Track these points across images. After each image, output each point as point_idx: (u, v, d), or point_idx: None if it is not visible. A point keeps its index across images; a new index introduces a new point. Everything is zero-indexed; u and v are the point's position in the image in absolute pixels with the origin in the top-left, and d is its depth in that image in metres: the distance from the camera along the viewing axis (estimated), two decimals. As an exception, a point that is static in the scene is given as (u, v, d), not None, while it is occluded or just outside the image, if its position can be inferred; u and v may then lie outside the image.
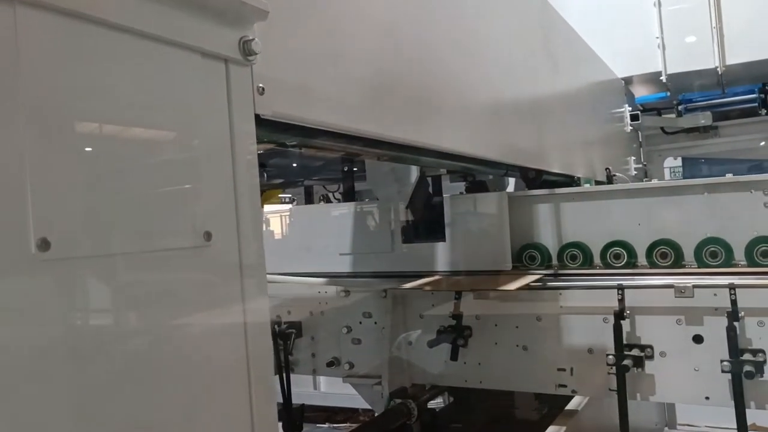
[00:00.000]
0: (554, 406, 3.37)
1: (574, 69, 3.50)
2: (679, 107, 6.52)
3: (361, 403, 6.51)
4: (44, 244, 0.73)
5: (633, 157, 5.00)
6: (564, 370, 2.74)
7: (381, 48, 1.50)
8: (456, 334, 2.78)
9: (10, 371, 0.69)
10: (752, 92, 6.77)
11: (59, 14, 0.78)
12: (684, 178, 8.02)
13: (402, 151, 1.73)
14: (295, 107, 1.20)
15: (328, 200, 4.99)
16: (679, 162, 7.68)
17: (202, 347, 0.96)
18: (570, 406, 3.02)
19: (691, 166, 8.34)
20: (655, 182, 2.83)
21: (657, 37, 4.95)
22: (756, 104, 6.70)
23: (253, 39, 1.06)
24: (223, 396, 0.99)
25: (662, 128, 5.58)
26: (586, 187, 3.19)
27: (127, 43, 0.87)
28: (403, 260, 3.08)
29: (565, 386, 2.75)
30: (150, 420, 0.86)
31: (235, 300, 1.02)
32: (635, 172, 5.04)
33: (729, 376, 2.41)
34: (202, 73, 1.00)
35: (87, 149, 0.81)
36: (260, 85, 1.11)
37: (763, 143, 6.20)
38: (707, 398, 2.55)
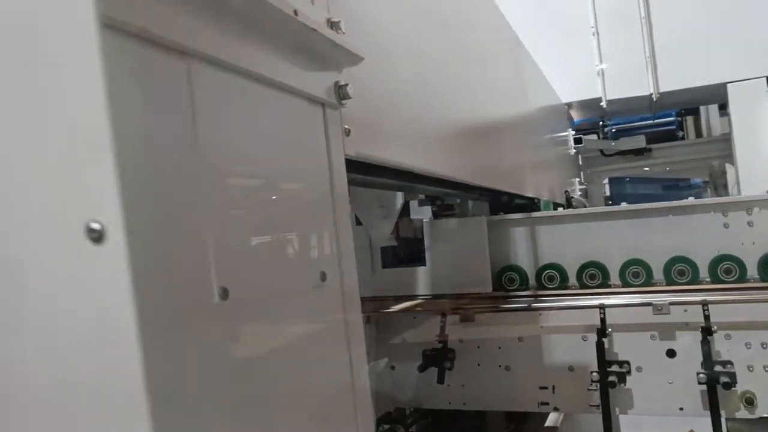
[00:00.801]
0: (522, 423, 3.47)
1: (536, 95, 3.67)
2: (605, 129, 6.91)
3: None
4: (224, 293, 0.73)
5: (578, 179, 5.24)
6: (546, 388, 2.84)
7: (428, 89, 1.55)
8: (443, 357, 2.83)
9: (192, 412, 0.70)
10: (670, 116, 7.27)
11: (217, 67, 0.79)
12: (612, 195, 8.44)
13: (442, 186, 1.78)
14: (373, 147, 1.23)
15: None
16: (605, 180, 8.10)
17: (321, 377, 0.97)
18: (548, 422, 3.13)
19: (618, 185, 8.81)
20: (624, 206, 3.01)
21: (597, 65, 5.22)
22: (674, 127, 7.18)
23: (347, 84, 1.09)
24: (336, 423, 1.01)
25: (601, 150, 5.87)
26: (560, 210, 3.34)
27: (260, 92, 0.89)
28: (383, 285, 3.12)
29: (547, 404, 2.85)
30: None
31: (341, 333, 1.04)
32: (580, 193, 5.27)
33: (702, 387, 2.58)
34: (308, 117, 1.02)
35: (245, 198, 0.81)
36: (346, 126, 1.14)
37: (669, 168, 6.67)
38: (681, 409, 2.71)
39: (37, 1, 0.50)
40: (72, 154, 0.46)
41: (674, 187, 9.19)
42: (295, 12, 0.87)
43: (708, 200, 2.88)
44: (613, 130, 6.80)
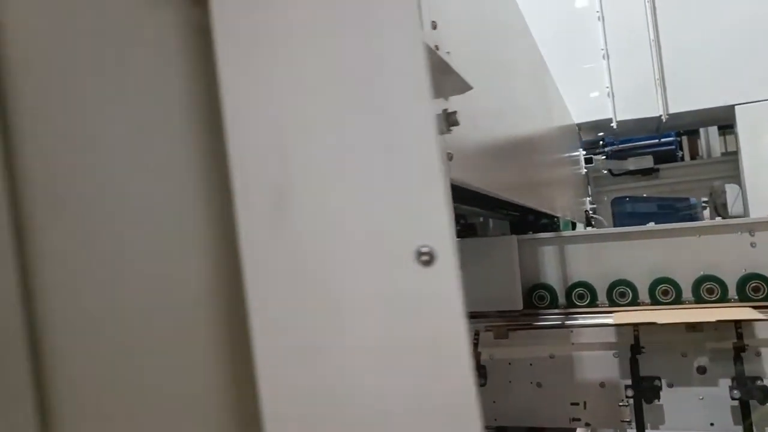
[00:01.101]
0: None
1: (558, 116, 3.74)
2: (606, 149, 7.01)
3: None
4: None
5: (588, 198, 5.31)
6: (577, 404, 2.89)
7: (492, 114, 1.61)
8: (477, 374, 2.86)
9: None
10: (670, 136, 7.38)
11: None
12: (613, 214, 8.53)
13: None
14: (465, 173, 1.28)
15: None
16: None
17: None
18: (576, 438, 3.16)
19: (619, 204, 8.91)
20: (651, 225, 3.07)
21: (606, 87, 5.30)
22: (673, 147, 7.30)
23: (455, 111, 1.14)
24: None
25: (610, 170, 5.96)
26: (588, 229, 3.41)
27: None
28: (415, 303, 3.15)
29: (578, 420, 2.90)
30: None
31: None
32: (591, 211, 5.34)
33: (733, 402, 2.64)
34: (425, 143, 1.08)
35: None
36: (449, 152, 1.19)
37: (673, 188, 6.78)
38: (712, 424, 2.76)
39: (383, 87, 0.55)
40: (405, 188, 0.51)
41: (672, 207, 9.31)
42: (437, 47, 0.93)
43: (735, 220, 2.95)
44: (606, 152, 6.92)
